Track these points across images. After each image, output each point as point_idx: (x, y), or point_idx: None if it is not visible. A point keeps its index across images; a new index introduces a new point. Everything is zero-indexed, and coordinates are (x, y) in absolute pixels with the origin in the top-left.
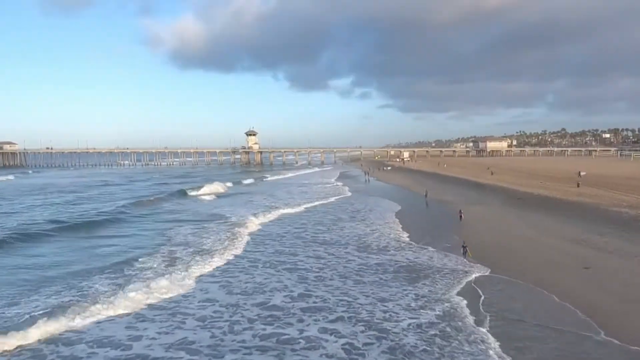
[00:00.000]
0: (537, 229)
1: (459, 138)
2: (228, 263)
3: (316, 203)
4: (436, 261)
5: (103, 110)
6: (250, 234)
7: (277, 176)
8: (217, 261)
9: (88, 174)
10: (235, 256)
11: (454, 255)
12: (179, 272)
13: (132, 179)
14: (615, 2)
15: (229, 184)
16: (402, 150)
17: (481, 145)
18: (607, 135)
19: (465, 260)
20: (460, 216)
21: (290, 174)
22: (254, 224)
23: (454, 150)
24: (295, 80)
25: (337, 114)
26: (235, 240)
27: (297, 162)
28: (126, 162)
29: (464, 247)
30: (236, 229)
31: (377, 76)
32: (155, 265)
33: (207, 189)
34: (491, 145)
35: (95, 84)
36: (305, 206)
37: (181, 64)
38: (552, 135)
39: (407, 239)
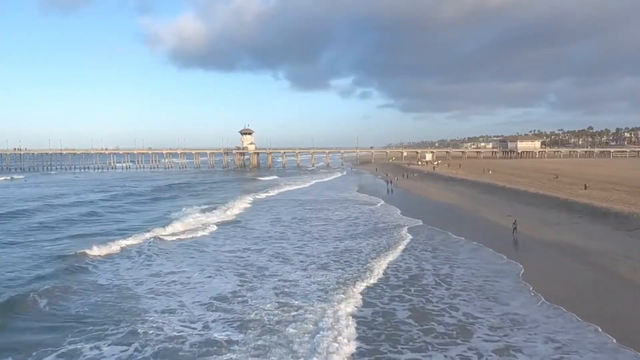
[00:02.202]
0: None
1: (465, 138)
2: None
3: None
4: None
5: (100, 110)
6: None
7: (282, 188)
8: None
9: (51, 182)
10: None
11: None
12: None
13: (100, 192)
14: (618, 1)
15: (214, 217)
16: (421, 150)
17: (510, 145)
18: (628, 135)
19: None
20: None
21: (296, 185)
22: None
23: (477, 151)
24: (296, 79)
25: (338, 114)
26: None
27: (298, 165)
28: (119, 164)
29: None
30: None
31: (377, 76)
32: None
33: (172, 227)
34: (522, 145)
35: (92, 83)
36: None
37: (181, 63)
38: (568, 134)
39: None
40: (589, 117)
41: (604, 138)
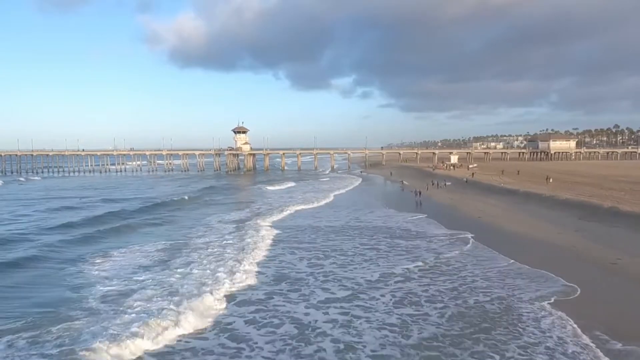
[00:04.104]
0: None
1: (470, 137)
2: None
3: None
4: None
5: (98, 109)
6: None
7: (293, 206)
8: None
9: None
10: None
11: None
12: None
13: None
14: (621, 0)
15: (158, 289)
16: (439, 151)
17: (541, 145)
18: None
19: None
20: None
21: (310, 204)
22: None
23: (503, 152)
24: (297, 79)
25: (338, 114)
26: None
27: (299, 169)
28: (101, 166)
29: None
30: None
31: (378, 75)
32: None
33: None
34: (555, 145)
35: (91, 83)
36: None
37: (181, 62)
38: (583, 134)
39: None
40: (591, 116)
41: (619, 138)
